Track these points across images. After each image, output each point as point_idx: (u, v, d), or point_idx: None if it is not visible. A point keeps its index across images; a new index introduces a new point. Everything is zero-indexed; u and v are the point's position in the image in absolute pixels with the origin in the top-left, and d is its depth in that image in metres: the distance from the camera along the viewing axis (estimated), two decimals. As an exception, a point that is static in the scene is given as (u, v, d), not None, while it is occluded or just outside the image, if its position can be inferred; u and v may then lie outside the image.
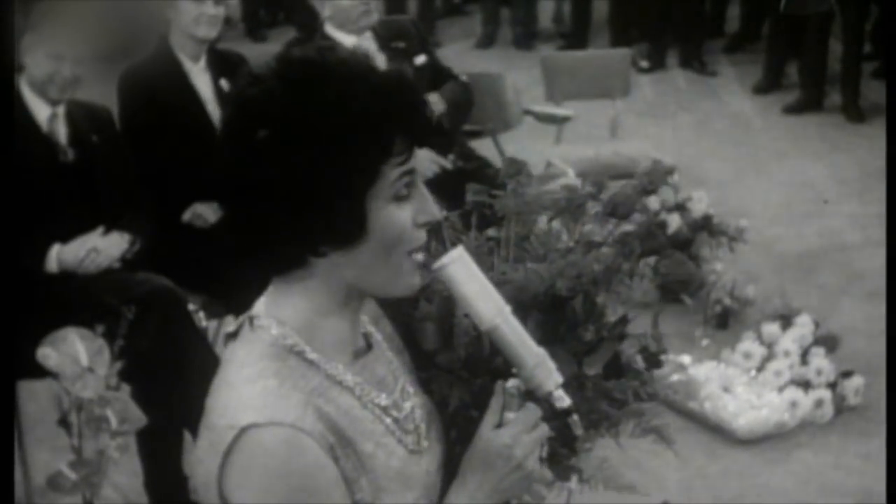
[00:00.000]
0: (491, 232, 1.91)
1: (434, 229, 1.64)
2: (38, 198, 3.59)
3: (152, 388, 3.32)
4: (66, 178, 3.72)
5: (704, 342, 4.88)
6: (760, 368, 4.55)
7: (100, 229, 3.73)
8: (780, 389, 4.42)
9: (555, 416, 1.60)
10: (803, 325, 4.62)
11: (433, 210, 1.52)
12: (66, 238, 3.68)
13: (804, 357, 4.53)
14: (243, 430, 1.42)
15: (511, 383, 1.58)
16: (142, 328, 3.26)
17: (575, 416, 1.59)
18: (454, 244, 1.78)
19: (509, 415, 1.58)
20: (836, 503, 3.97)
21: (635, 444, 1.97)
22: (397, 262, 1.50)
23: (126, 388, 3.09)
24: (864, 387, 4.46)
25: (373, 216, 1.46)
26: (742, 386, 4.48)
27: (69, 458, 3.04)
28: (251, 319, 1.53)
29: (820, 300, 5.19)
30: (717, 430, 4.33)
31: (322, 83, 1.44)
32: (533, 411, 1.58)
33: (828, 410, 4.40)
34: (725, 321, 5.00)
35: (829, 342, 4.60)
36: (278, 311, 1.52)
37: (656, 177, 2.09)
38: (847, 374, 4.49)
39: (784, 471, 4.14)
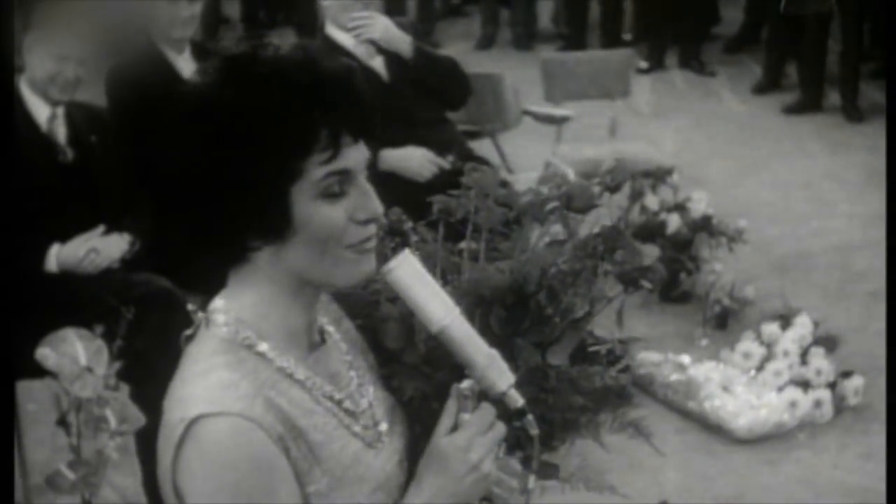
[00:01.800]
0: (462, 245, 1.91)
1: (402, 237, 1.65)
2: (37, 198, 3.59)
3: (151, 389, 3.29)
4: (65, 179, 3.72)
5: (704, 342, 4.88)
6: (760, 368, 4.55)
7: (99, 229, 3.73)
8: (780, 389, 4.42)
9: (510, 417, 1.59)
10: (803, 325, 4.63)
11: (374, 207, 1.52)
12: (65, 238, 3.68)
13: (804, 357, 4.53)
14: (193, 421, 1.45)
15: (465, 384, 1.58)
16: (141, 328, 3.26)
17: (529, 416, 1.59)
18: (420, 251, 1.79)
19: (464, 416, 1.57)
20: (836, 503, 3.97)
21: (635, 444, 1.97)
22: (334, 256, 1.50)
23: (125, 389, 3.09)
24: (863, 387, 4.46)
25: (299, 212, 1.47)
26: (741, 386, 4.48)
27: (68, 458, 3.04)
28: (206, 317, 1.55)
29: (819, 300, 5.19)
30: (716, 430, 4.33)
31: (246, 80, 1.46)
32: (488, 412, 1.58)
33: (827, 410, 4.40)
34: (725, 321, 5.01)
35: (828, 342, 4.60)
36: (233, 305, 1.54)
37: (619, 175, 2.06)
38: (846, 374, 4.49)
39: (783, 471, 4.14)
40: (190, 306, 4.09)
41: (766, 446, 4.26)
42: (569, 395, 1.79)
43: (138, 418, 3.05)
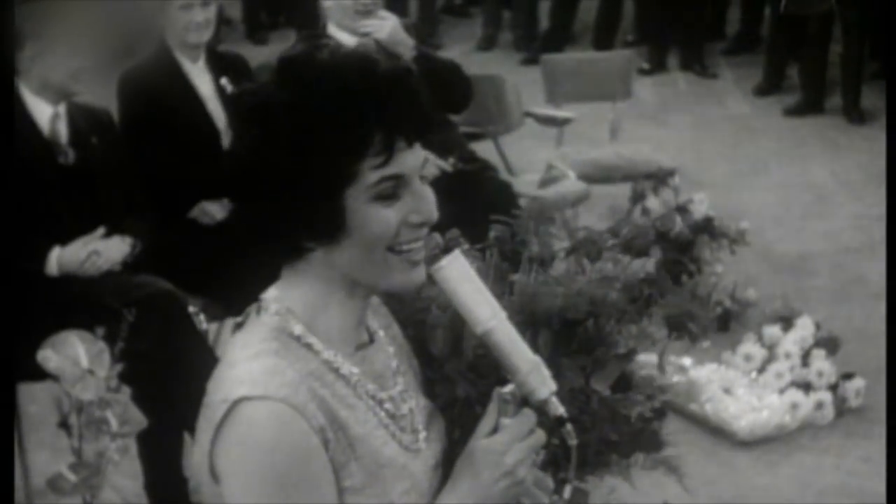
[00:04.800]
0: (515, 277, 1.92)
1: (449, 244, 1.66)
2: (38, 199, 3.58)
3: (152, 391, 3.32)
4: (66, 180, 3.71)
5: (705, 344, 4.86)
6: (761, 370, 4.55)
7: (100, 231, 3.72)
8: (781, 391, 4.42)
9: (550, 425, 1.59)
10: (804, 327, 4.62)
11: (428, 211, 1.52)
12: (66, 240, 3.67)
13: (805, 359, 4.53)
14: (235, 403, 1.45)
15: (507, 389, 1.58)
16: (142, 331, 3.25)
17: (569, 426, 1.58)
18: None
19: (505, 421, 1.57)
20: (837, 505, 3.98)
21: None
22: (384, 260, 1.51)
23: (126, 391, 3.09)
24: (864, 389, 4.46)
25: (353, 214, 1.48)
26: (743, 388, 4.48)
27: (69, 460, 3.04)
28: (258, 305, 1.56)
29: (820, 302, 5.19)
30: (717, 432, 4.33)
31: (301, 82, 1.47)
32: (527, 418, 1.57)
33: (828, 412, 4.40)
34: (726, 323, 5.00)
35: (829, 344, 4.60)
36: (285, 297, 1.55)
37: (668, 222, 2.09)
38: (848, 376, 4.49)
39: (785, 472, 4.14)
40: (191, 308, 4.09)
41: (768, 448, 4.26)
42: (607, 421, 1.80)
43: (140, 420, 3.05)
